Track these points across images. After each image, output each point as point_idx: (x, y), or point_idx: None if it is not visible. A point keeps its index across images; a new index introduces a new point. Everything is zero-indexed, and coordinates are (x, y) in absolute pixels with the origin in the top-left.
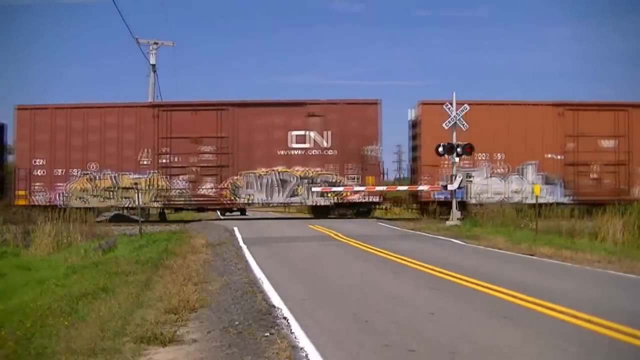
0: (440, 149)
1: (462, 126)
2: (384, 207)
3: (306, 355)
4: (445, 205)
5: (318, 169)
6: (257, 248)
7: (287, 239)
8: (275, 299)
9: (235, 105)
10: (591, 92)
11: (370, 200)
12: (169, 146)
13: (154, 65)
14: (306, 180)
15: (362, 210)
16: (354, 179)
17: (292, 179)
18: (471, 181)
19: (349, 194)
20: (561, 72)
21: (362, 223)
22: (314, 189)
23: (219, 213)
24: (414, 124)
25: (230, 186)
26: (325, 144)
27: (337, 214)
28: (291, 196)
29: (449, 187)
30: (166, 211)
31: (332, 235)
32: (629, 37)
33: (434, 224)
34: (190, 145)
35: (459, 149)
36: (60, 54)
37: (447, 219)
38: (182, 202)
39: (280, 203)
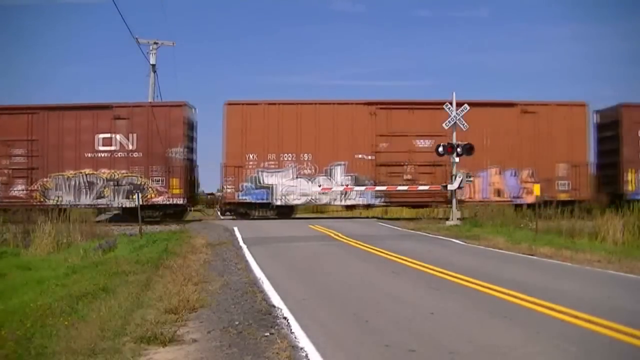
0: (440, 149)
1: (462, 126)
2: (191, 209)
3: (306, 355)
4: (262, 207)
5: (124, 171)
6: (257, 248)
7: (287, 238)
8: (275, 299)
9: (45, 109)
10: (591, 92)
11: (175, 202)
12: None
13: (154, 65)
14: (112, 183)
15: (168, 212)
16: (159, 181)
17: (98, 181)
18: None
19: (153, 195)
20: (561, 72)
21: (362, 223)
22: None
23: (219, 213)
24: None
25: (40, 188)
26: (130, 147)
27: (146, 216)
28: (98, 198)
29: (449, 187)
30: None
31: (332, 235)
32: (630, 38)
33: (434, 224)
34: (2, 148)
35: (459, 149)
36: (60, 53)
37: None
38: None
39: (88, 205)
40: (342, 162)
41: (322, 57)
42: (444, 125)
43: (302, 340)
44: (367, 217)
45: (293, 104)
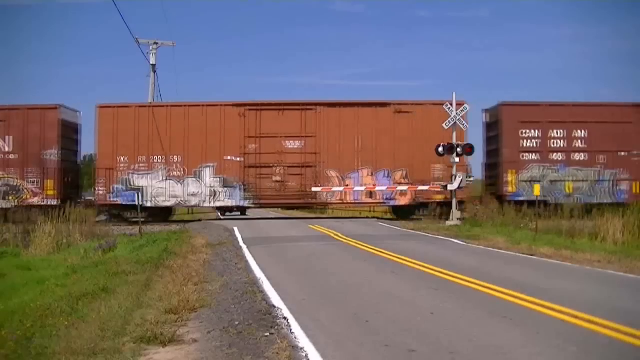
0: (440, 149)
1: (462, 126)
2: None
3: (306, 355)
4: (134, 208)
5: (0, 172)
6: (257, 248)
7: (288, 239)
8: (275, 299)
9: None
10: (591, 92)
11: (49, 203)
12: None
13: (154, 65)
14: None
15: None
16: (34, 182)
17: None
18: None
19: (29, 197)
20: (561, 72)
21: (362, 223)
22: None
23: (218, 213)
24: None
25: None
26: (7, 149)
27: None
28: None
29: (449, 187)
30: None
31: (333, 235)
32: (629, 38)
33: (434, 224)
34: None
35: (459, 149)
36: (60, 53)
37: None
38: None
39: None
40: (211, 164)
41: (322, 57)
42: (443, 125)
43: (302, 340)
44: (367, 217)
45: (163, 106)
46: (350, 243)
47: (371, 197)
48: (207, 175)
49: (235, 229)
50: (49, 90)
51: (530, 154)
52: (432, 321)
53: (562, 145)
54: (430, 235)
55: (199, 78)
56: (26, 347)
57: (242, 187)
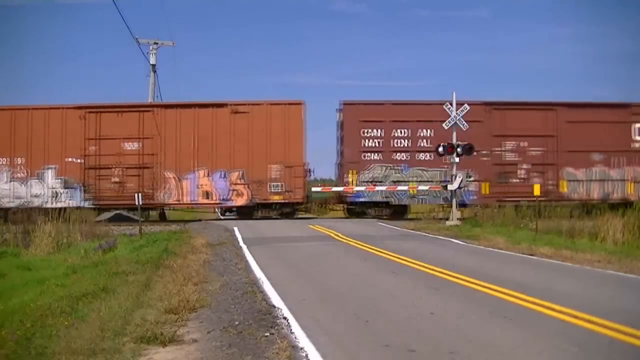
0: (440, 149)
1: (461, 126)
2: None
3: (306, 355)
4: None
5: None
6: (257, 248)
7: (288, 239)
8: (275, 299)
9: None
10: (591, 92)
11: None
12: None
13: (154, 65)
14: None
15: None
16: None
17: None
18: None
19: None
20: (562, 72)
21: (362, 223)
22: (314, 189)
23: (218, 213)
24: None
25: None
26: None
27: None
28: None
29: (449, 187)
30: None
31: (333, 235)
32: (630, 38)
33: (434, 224)
34: None
35: (458, 149)
36: (59, 53)
37: None
38: None
39: None
40: (53, 166)
41: (322, 57)
42: (444, 125)
43: (302, 340)
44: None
45: (6, 109)
46: (350, 243)
47: (208, 197)
48: (50, 176)
49: (235, 229)
50: (49, 90)
51: (372, 154)
52: (432, 321)
53: (406, 145)
54: (430, 235)
55: (199, 78)
56: (26, 347)
57: (82, 188)
